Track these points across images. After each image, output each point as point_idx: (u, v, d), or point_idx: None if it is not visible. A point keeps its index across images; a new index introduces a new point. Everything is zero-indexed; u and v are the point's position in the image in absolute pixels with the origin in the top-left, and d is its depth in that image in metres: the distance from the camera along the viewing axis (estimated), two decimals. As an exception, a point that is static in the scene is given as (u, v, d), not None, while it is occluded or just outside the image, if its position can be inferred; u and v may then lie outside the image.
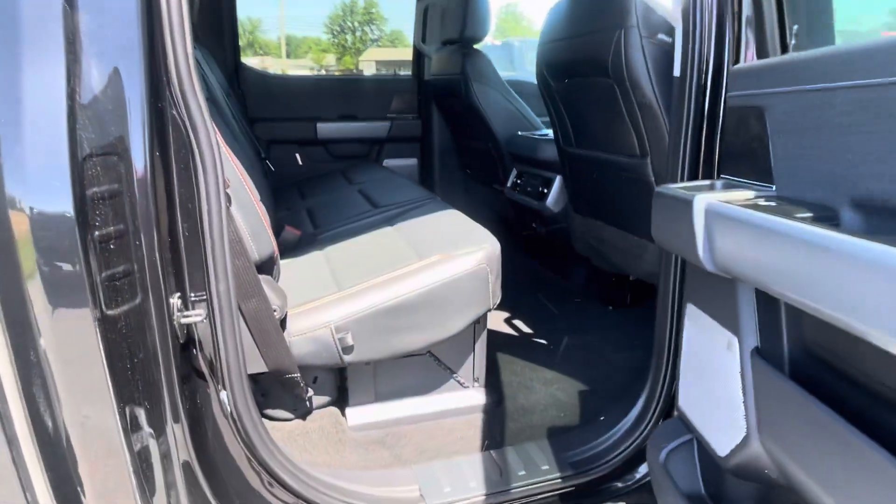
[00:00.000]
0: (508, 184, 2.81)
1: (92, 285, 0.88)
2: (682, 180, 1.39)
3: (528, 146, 2.63)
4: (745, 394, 1.00)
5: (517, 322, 2.36)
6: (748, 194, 1.01)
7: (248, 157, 1.90)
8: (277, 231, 2.07)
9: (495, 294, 1.61)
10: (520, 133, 2.77)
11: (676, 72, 1.40)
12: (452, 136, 3.38)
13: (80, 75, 0.90)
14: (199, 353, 1.16)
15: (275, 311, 1.37)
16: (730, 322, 1.05)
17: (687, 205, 1.01)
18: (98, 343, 0.90)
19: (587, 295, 2.59)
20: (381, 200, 2.35)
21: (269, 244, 1.42)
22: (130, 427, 0.95)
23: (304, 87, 3.37)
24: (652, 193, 1.82)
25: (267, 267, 1.45)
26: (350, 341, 1.44)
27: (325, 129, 3.34)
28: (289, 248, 2.00)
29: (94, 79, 0.92)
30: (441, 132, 3.38)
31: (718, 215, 0.95)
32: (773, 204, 0.93)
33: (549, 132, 2.67)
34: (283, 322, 1.43)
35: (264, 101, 3.27)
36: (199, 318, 1.09)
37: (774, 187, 0.99)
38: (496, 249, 1.60)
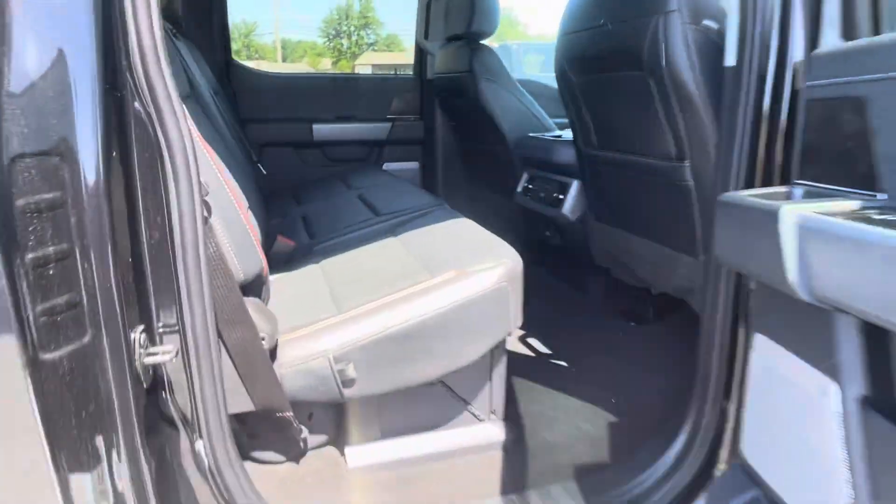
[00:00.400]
0: (519, 189, 2.61)
1: (20, 321, 0.68)
2: (737, 187, 1.19)
3: (541, 148, 2.44)
4: (850, 453, 0.80)
5: (533, 340, 2.16)
6: (850, 205, 0.81)
7: (237, 160, 1.71)
8: (269, 242, 1.87)
9: (516, 316, 1.41)
10: (531, 134, 2.57)
11: (729, 61, 1.21)
12: (457, 138, 3.18)
13: (9, 55, 0.70)
14: (170, 398, 0.96)
15: (263, 339, 1.17)
16: (824, 362, 0.85)
17: (770, 217, 0.81)
18: (29, 396, 0.69)
19: (606, 309, 2.39)
20: (384, 207, 2.15)
21: (257, 261, 1.22)
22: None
23: (299, 86, 3.17)
24: (688, 200, 1.64)
25: (254, 287, 1.25)
26: (351, 373, 1.24)
27: (322, 130, 3.14)
28: (281, 262, 1.80)
29: (28, 60, 0.72)
30: (445, 134, 3.18)
31: (817, 232, 0.75)
32: (891, 217, 0.74)
33: (564, 133, 2.48)
34: (272, 352, 1.22)
35: (257, 101, 3.07)
36: (167, 357, 0.89)
37: (885, 195, 0.79)
38: (518, 265, 1.41)
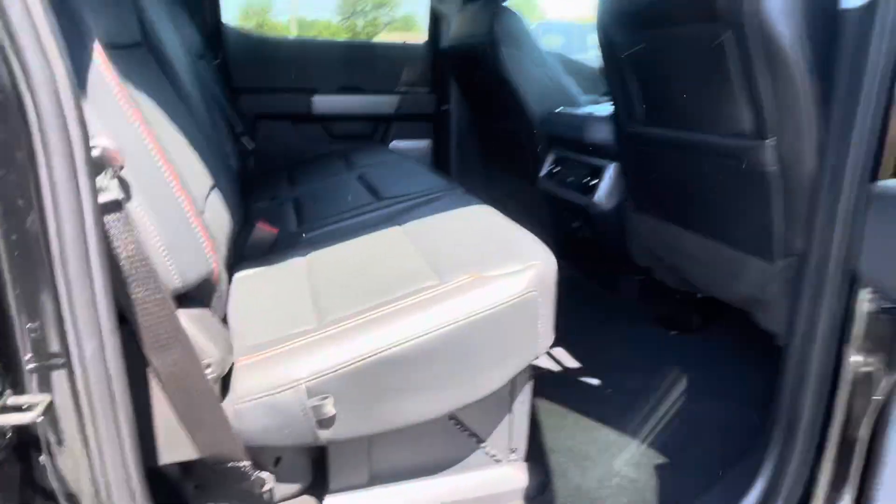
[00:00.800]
0: (543, 172, 2.28)
1: None
2: (860, 176, 0.87)
3: (571, 125, 2.10)
4: None
5: (557, 351, 1.84)
6: None
7: (207, 132, 1.39)
8: (249, 228, 1.56)
9: (547, 334, 1.10)
10: (559, 110, 2.23)
11: (849, 1, 0.88)
12: (473, 113, 2.85)
13: None
14: (49, 463, 0.65)
15: (208, 366, 0.87)
16: None
17: None
18: None
19: (642, 314, 2.07)
20: (387, 190, 1.83)
21: (203, 262, 0.90)
22: None
23: (298, 52, 2.85)
24: (767, 190, 1.30)
25: (201, 295, 0.94)
26: (329, 409, 0.93)
27: (323, 102, 2.81)
28: (259, 254, 1.49)
29: None
30: (460, 109, 2.85)
31: None
32: None
33: (595, 109, 2.14)
34: (225, 381, 0.92)
35: (251, 69, 2.76)
36: (31, 416, 0.58)
37: None
38: (550, 268, 1.09)
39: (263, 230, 1.52)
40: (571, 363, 1.79)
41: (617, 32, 1.55)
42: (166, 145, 0.97)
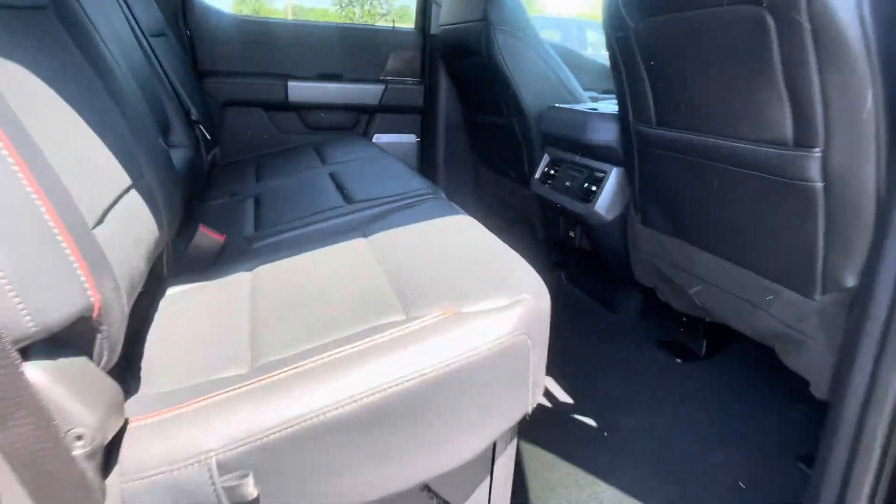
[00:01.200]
0: (537, 175, 2.06)
1: None
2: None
3: (570, 123, 1.88)
4: None
5: (547, 382, 1.63)
6: None
7: (136, 122, 1.15)
8: (191, 233, 1.33)
9: (538, 384, 0.87)
10: (558, 105, 2.01)
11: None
12: (463, 106, 2.62)
13: None
14: None
15: (78, 438, 0.64)
16: None
17: None
18: None
19: (642, 336, 1.85)
20: (359, 192, 1.60)
21: (75, 296, 0.66)
22: None
23: (273, 34, 2.60)
24: (809, 209, 1.06)
25: (76, 338, 0.70)
26: (249, 491, 0.71)
27: (300, 90, 2.57)
28: (203, 264, 1.26)
29: None
30: (450, 101, 2.61)
31: None
32: None
33: (598, 106, 1.92)
34: (109, 452, 0.69)
35: (220, 50, 2.50)
36: None
37: None
38: (543, 303, 0.86)
39: (206, 236, 1.29)
40: (562, 395, 1.57)
41: (629, 15, 1.33)
42: (52, 140, 0.74)
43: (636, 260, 1.66)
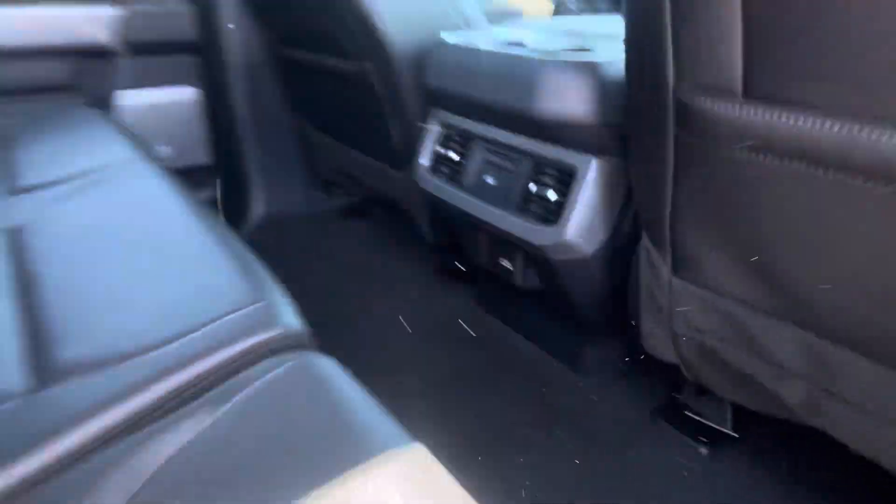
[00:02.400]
0: (423, 160, 1.21)
1: None
2: None
3: (492, 78, 1.03)
4: None
5: None
6: None
7: None
8: None
9: None
10: (449, 40, 1.14)
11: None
12: (272, 38, 1.62)
13: None
14: None
15: None
16: None
17: None
18: None
19: (633, 411, 1.17)
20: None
21: None
22: None
23: None
24: None
25: None
26: None
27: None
28: None
29: None
30: (246, 30, 1.59)
31: None
32: None
33: (524, 39, 1.11)
34: None
35: None
36: None
37: None
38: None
39: None
40: None
41: None
42: None
43: (655, 328, 0.93)
